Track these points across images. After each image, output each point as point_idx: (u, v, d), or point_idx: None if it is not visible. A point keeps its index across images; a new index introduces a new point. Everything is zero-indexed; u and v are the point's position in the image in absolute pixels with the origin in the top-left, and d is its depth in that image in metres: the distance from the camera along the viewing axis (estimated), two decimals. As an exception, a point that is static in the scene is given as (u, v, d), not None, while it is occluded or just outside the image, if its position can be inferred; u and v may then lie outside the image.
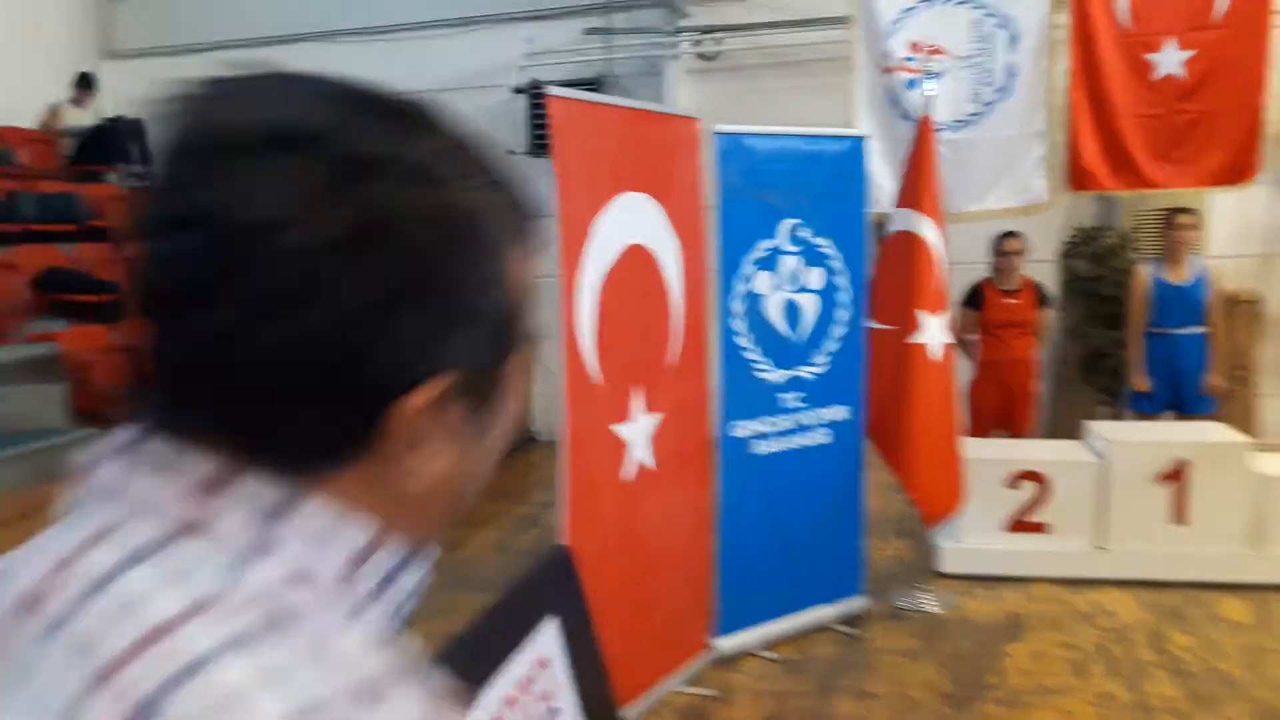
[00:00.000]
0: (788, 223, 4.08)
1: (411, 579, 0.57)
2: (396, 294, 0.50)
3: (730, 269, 3.94)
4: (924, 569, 4.73)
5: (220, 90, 0.53)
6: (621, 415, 3.37)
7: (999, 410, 5.50)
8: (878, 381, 4.35)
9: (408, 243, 0.50)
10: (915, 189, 4.42)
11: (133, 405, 0.55)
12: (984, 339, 5.51)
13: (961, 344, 5.59)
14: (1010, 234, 5.47)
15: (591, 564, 2.85)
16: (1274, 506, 4.61)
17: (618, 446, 3.37)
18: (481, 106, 8.22)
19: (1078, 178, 5.43)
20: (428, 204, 0.51)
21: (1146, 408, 5.40)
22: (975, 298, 5.52)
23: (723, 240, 3.91)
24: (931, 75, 5.32)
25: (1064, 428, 5.98)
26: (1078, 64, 5.39)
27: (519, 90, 7.55)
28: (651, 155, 3.56)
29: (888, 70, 5.64)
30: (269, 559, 0.50)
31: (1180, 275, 5.31)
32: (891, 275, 4.45)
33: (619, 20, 7.88)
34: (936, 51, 5.60)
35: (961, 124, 5.54)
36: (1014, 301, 5.45)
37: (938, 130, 5.49)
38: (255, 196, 0.48)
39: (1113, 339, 5.84)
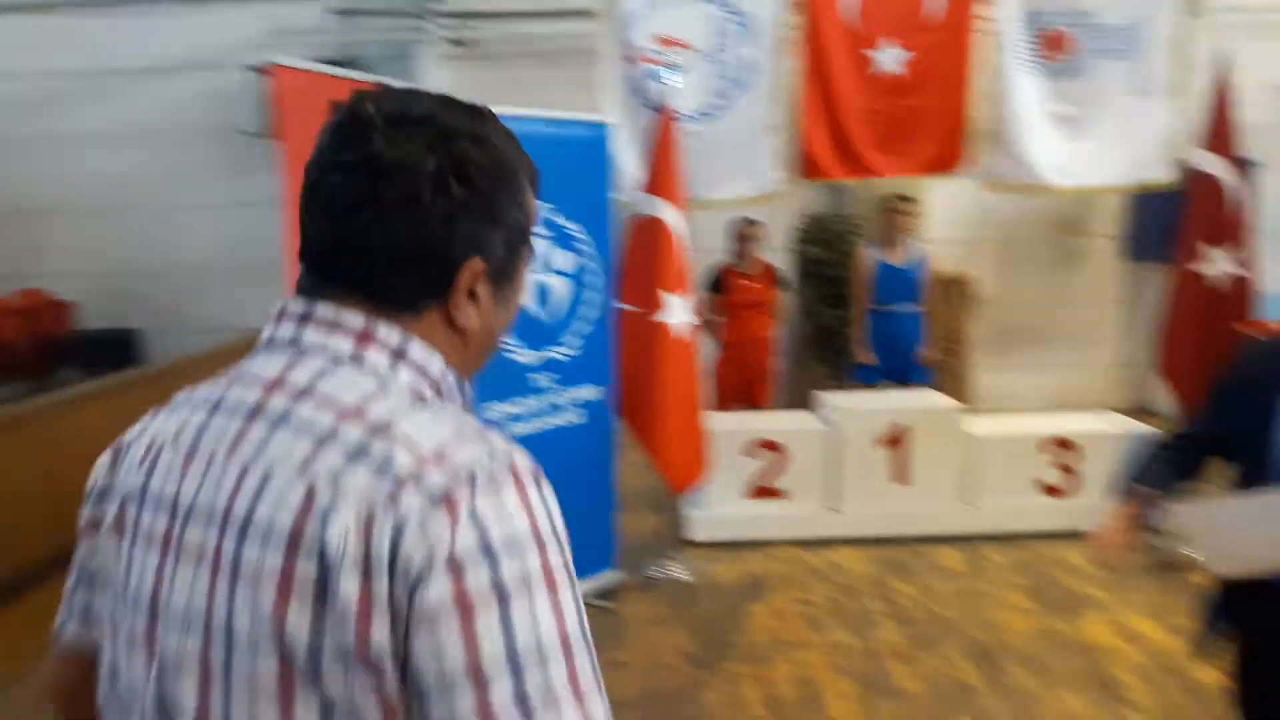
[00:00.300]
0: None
1: (469, 393, 0.95)
2: (464, 206, 0.89)
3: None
4: (675, 539, 4.90)
5: (368, 93, 0.90)
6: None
7: (740, 385, 5.78)
8: (626, 361, 4.47)
9: (473, 176, 0.89)
10: (658, 176, 4.57)
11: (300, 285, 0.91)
12: (726, 320, 5.77)
13: (706, 325, 5.84)
14: (749, 221, 5.76)
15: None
16: (983, 465, 5.11)
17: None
18: (216, 87, 7.77)
19: (808, 167, 5.78)
20: (485, 157, 0.90)
21: (870, 379, 5.83)
22: (717, 281, 5.78)
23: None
24: (673, 68, 5.52)
25: (800, 400, 6.37)
26: (807, 60, 5.73)
27: (255, 70, 7.17)
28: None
29: (633, 61, 5.78)
30: (401, 376, 0.88)
31: (899, 257, 5.76)
32: (638, 258, 4.57)
33: (366, 1, 7.65)
34: (679, 45, 5.81)
35: (704, 116, 5.76)
36: (753, 284, 5.74)
37: (681, 121, 5.70)
38: (394, 148, 0.86)
39: (841, 318, 6.27)
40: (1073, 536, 4.93)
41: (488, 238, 0.91)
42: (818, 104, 5.77)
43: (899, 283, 5.74)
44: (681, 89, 5.69)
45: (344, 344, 0.88)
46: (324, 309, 0.89)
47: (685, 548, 4.95)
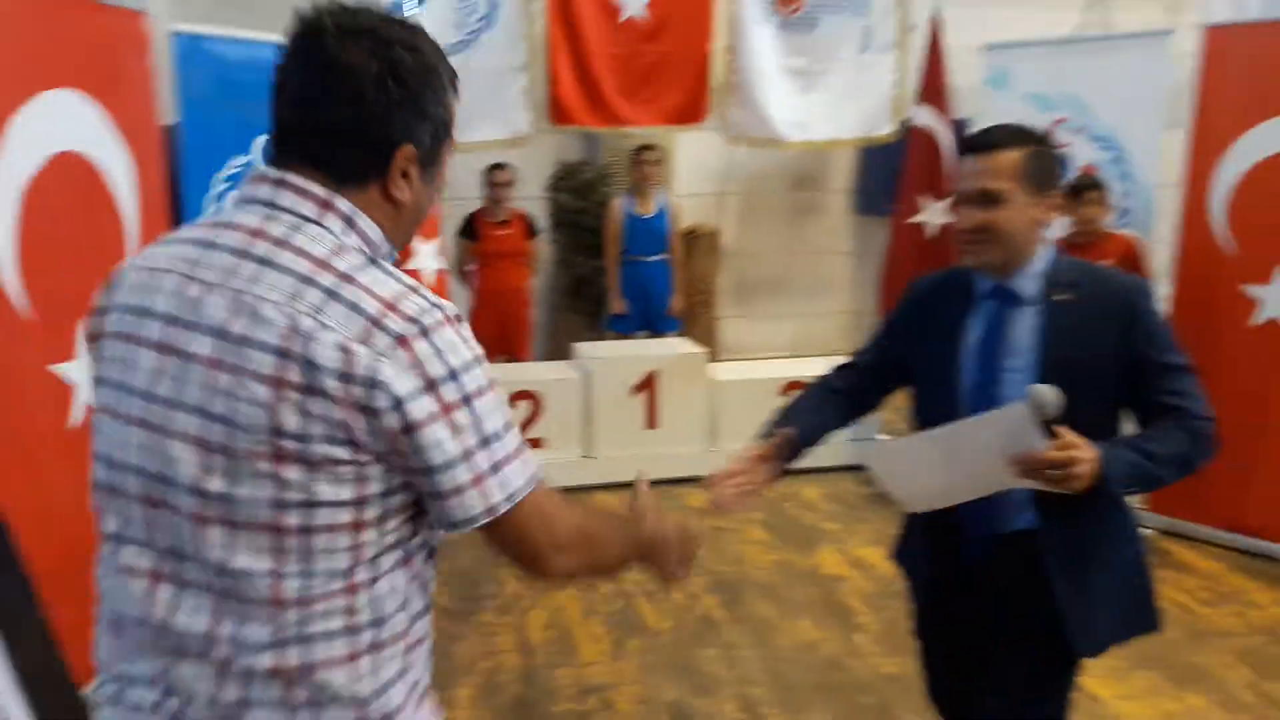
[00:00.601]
0: (263, 138, 3.81)
1: (392, 258, 1.18)
2: (399, 102, 1.13)
3: (197, 188, 3.59)
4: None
5: (323, 6, 1.14)
6: (63, 354, 2.93)
7: (499, 336, 5.69)
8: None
9: (405, 78, 1.13)
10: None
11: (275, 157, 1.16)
12: (481, 269, 5.64)
13: (459, 274, 5.69)
14: (499, 166, 5.63)
15: (35, 530, 2.47)
16: (727, 408, 5.30)
17: (61, 391, 2.93)
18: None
19: (557, 112, 5.70)
20: (416, 61, 1.15)
21: (623, 328, 5.89)
22: (470, 229, 5.63)
23: (187, 155, 3.54)
24: (414, 3, 5.27)
25: (559, 350, 6.37)
26: (553, 2, 5.64)
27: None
28: (86, 50, 3.08)
29: (374, -7, 5.48)
30: (351, 239, 1.13)
31: (647, 208, 5.83)
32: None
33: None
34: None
35: (448, 51, 5.55)
36: (506, 232, 5.63)
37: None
38: (344, 53, 1.11)
39: (596, 267, 6.29)
40: (808, 473, 5.25)
41: (417, 128, 1.17)
42: (564, 46, 5.69)
43: (648, 233, 5.81)
44: (419, 20, 5.45)
45: (309, 208, 1.13)
46: (294, 179, 1.14)
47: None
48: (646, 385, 5.15)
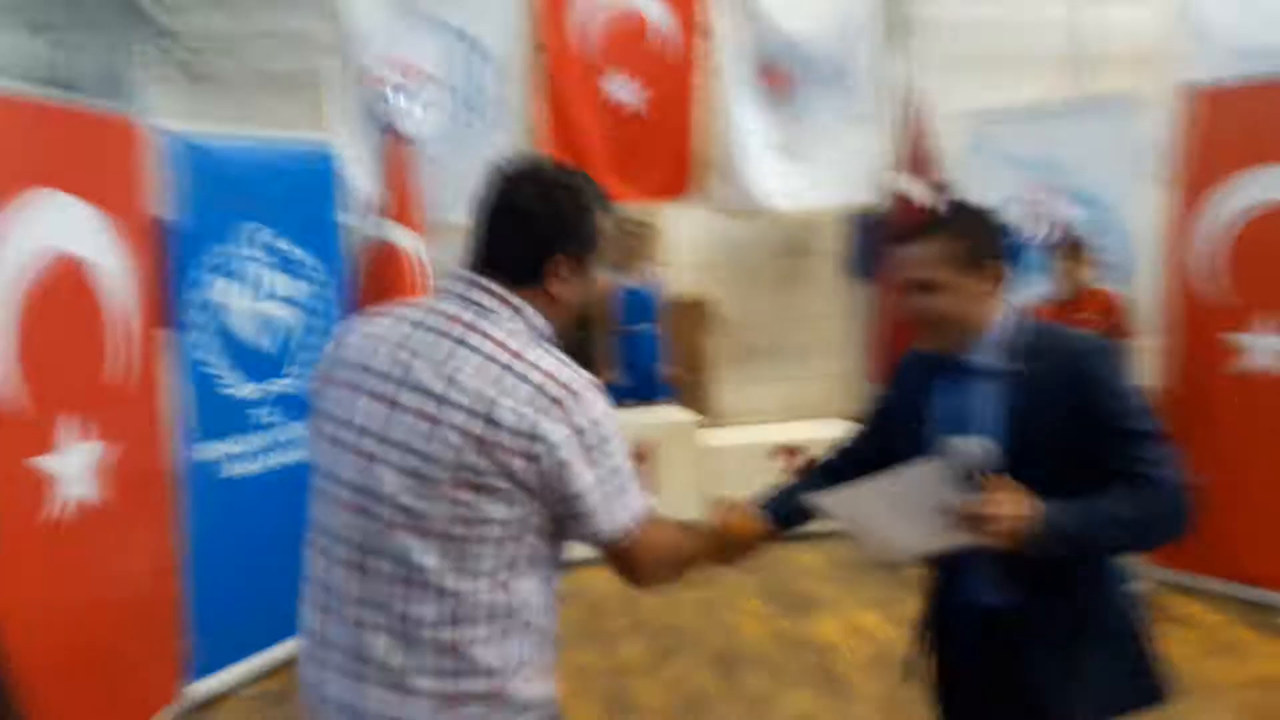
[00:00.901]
0: (252, 229, 3.89)
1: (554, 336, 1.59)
2: (558, 226, 1.56)
3: (186, 277, 3.66)
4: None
5: (522, 163, 1.62)
6: (43, 446, 2.95)
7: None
8: None
9: (561, 210, 1.56)
10: (393, 200, 4.47)
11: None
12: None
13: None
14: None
15: (15, 622, 2.47)
16: (721, 474, 5.31)
17: (37, 484, 2.95)
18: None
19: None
20: (570, 197, 1.57)
21: (616, 397, 5.93)
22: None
23: (178, 247, 3.62)
24: (408, 92, 5.41)
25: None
26: (545, 88, 5.78)
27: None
28: (80, 154, 3.18)
29: (367, 85, 5.62)
30: (520, 324, 1.53)
31: (637, 280, 5.91)
32: (375, 284, 4.41)
33: (72, 17, 7.00)
34: (413, 69, 5.70)
35: (442, 140, 5.67)
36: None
37: (416, 145, 5.57)
38: (522, 196, 1.56)
39: (584, 338, 6.37)
40: (805, 539, 5.21)
41: (570, 243, 1.58)
42: (556, 131, 5.83)
43: (637, 304, 5.89)
44: (416, 113, 5.60)
45: (492, 301, 1.54)
46: (482, 280, 1.56)
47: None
48: (639, 454, 5.16)
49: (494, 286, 1.55)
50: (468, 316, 1.52)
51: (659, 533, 1.64)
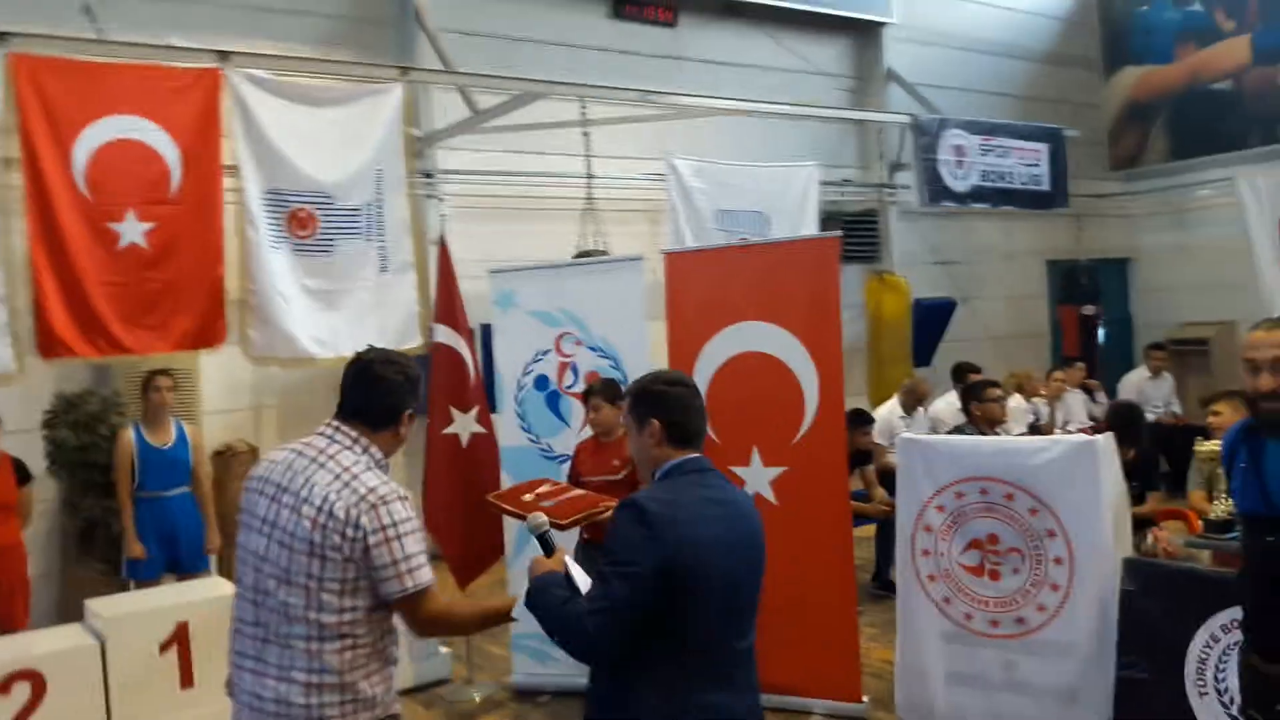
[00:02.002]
0: None
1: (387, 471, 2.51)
2: (405, 391, 2.56)
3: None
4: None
5: (372, 352, 2.66)
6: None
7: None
8: None
9: (407, 379, 2.60)
10: None
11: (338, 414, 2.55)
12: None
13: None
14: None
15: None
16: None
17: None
18: None
19: (48, 345, 5.17)
20: (409, 371, 2.63)
21: (145, 573, 5.33)
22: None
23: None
24: None
25: (75, 611, 5.57)
26: (35, 227, 5.18)
27: None
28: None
29: None
30: (364, 457, 2.46)
31: (164, 438, 5.43)
32: None
33: None
34: None
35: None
36: (-10, 483, 4.91)
37: None
38: (384, 371, 2.56)
39: (109, 507, 5.68)
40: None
41: (410, 402, 2.53)
42: (52, 274, 5.23)
43: (167, 465, 5.41)
44: None
45: (348, 441, 2.45)
46: (345, 426, 2.48)
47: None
48: (177, 639, 4.65)
49: (352, 431, 2.48)
50: (330, 450, 2.44)
51: (434, 601, 2.43)
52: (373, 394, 2.48)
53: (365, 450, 2.44)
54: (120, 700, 4.48)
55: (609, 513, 3.06)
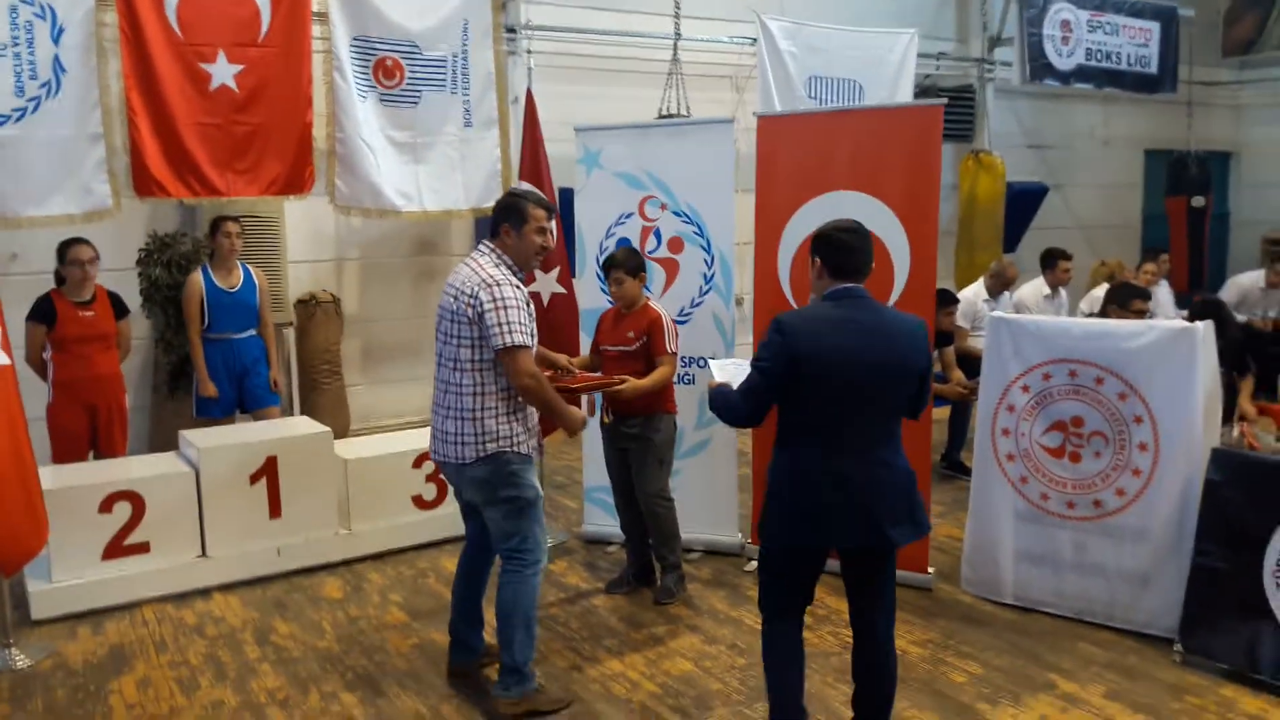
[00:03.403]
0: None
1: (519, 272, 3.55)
2: (506, 214, 3.60)
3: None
4: (15, 621, 4.14)
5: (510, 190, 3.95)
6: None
7: (85, 431, 5.12)
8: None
9: (509, 206, 3.58)
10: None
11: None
12: (60, 356, 5.05)
13: (35, 364, 5.06)
14: (77, 241, 5.08)
15: None
16: (356, 487, 5.13)
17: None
18: None
19: (143, 183, 5.28)
20: (515, 198, 3.63)
21: (215, 412, 5.53)
22: (46, 312, 5.02)
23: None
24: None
25: (166, 439, 5.84)
26: (130, 67, 5.22)
27: None
28: None
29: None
30: (500, 259, 3.49)
31: (231, 281, 5.54)
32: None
33: None
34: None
35: (6, 119, 4.95)
36: (89, 314, 5.09)
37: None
38: (503, 198, 3.70)
39: (180, 345, 5.91)
40: (445, 544, 5.23)
41: (504, 217, 3.48)
42: (147, 115, 5.30)
43: (234, 307, 5.52)
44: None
45: (486, 249, 3.46)
46: (483, 245, 3.48)
47: (29, 629, 4.25)
48: (266, 471, 4.86)
49: (485, 243, 3.46)
50: (474, 254, 3.44)
51: (528, 361, 3.33)
52: (496, 215, 3.51)
53: (493, 252, 3.43)
54: (213, 524, 4.75)
55: (622, 384, 4.16)
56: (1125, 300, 4.94)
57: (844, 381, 2.87)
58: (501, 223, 3.44)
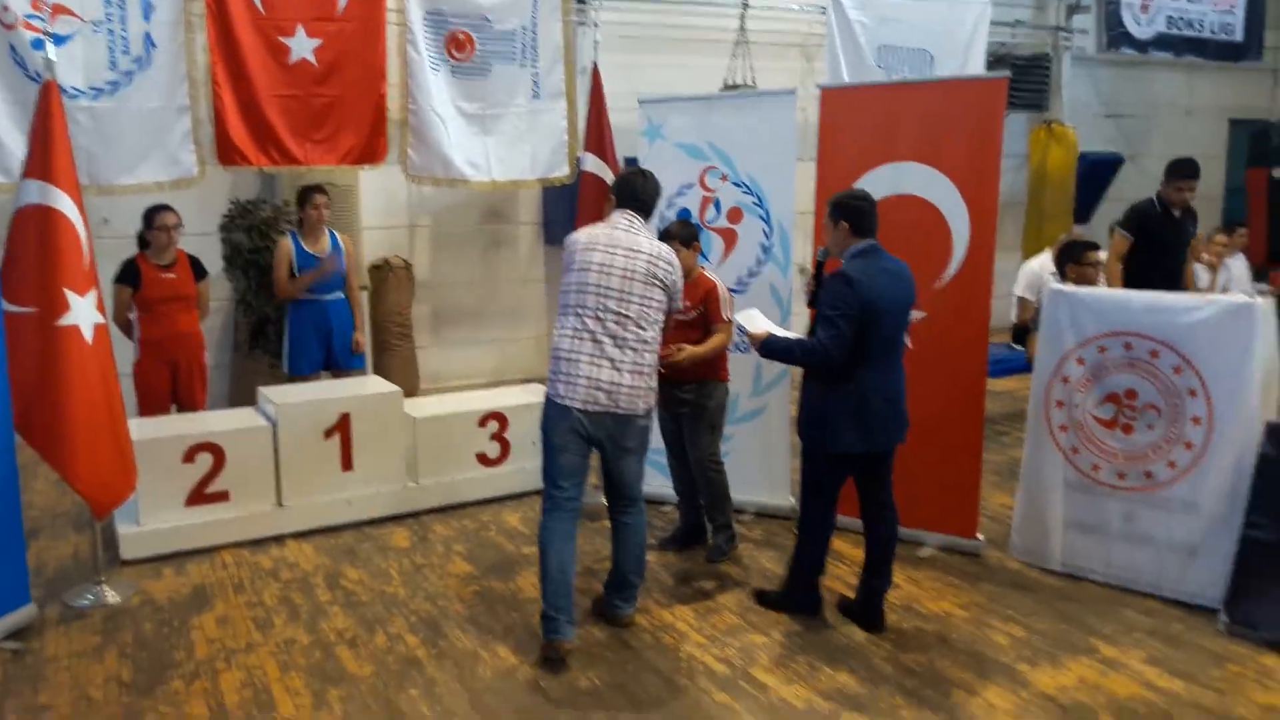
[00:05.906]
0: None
1: None
2: (656, 195, 4.09)
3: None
4: (104, 560, 4.46)
5: (639, 170, 4.18)
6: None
7: (168, 387, 5.42)
8: (22, 369, 3.96)
9: (656, 188, 4.09)
10: (45, 159, 4.05)
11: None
12: (146, 316, 5.35)
13: (122, 324, 5.36)
14: (163, 208, 5.35)
15: None
16: (424, 443, 5.36)
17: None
18: None
19: (226, 153, 5.55)
20: (656, 182, 4.14)
21: (305, 369, 5.80)
22: (132, 274, 5.32)
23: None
24: (56, 37, 4.95)
25: (246, 396, 6.14)
26: (215, 41, 5.48)
27: None
28: None
29: (9, 27, 5.07)
30: (646, 233, 3.91)
31: (319, 246, 5.78)
32: (29, 253, 4.04)
33: None
34: (65, 12, 5.20)
35: (100, 92, 5.24)
36: (171, 276, 5.37)
37: (73, 97, 5.12)
38: (648, 182, 4.04)
39: (276, 307, 6.16)
40: (506, 500, 5.43)
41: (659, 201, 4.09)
42: (230, 87, 5.56)
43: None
44: (72, 61, 5.14)
45: (640, 224, 3.84)
46: (636, 217, 3.85)
47: (118, 568, 4.56)
48: (340, 427, 5.11)
49: (638, 219, 3.82)
50: (634, 228, 3.79)
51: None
52: (646, 199, 3.91)
53: (644, 229, 3.85)
54: (288, 475, 5.01)
55: (680, 353, 4.26)
56: (1078, 255, 5.03)
57: (891, 317, 3.69)
58: (653, 206, 4.00)
